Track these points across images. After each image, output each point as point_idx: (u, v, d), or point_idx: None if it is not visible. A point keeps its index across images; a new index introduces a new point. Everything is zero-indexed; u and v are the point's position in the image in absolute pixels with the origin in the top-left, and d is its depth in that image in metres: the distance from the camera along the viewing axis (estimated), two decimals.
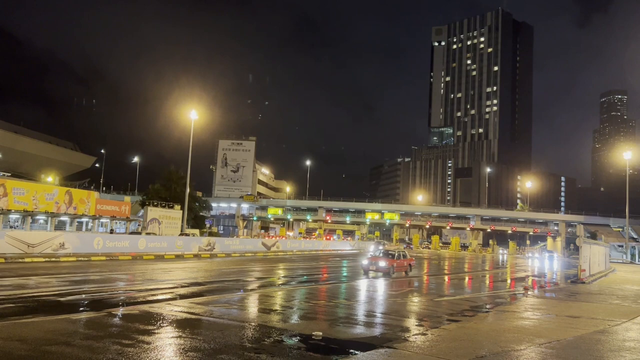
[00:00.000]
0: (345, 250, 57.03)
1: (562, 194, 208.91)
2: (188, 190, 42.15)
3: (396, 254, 24.78)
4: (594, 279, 26.70)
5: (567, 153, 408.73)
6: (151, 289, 14.91)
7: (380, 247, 47.29)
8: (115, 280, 17.07)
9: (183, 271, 21.64)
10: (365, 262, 23.84)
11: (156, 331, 9.10)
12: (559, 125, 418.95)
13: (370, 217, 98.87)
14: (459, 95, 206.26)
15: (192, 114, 39.41)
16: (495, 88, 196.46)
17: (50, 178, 73.18)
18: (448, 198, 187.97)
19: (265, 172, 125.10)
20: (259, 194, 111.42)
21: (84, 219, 48.87)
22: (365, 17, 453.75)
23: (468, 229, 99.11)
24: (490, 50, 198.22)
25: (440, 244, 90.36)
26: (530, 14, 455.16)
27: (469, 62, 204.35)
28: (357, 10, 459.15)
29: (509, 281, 26.76)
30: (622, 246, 71.08)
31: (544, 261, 54.48)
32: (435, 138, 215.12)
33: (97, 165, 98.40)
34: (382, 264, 23.13)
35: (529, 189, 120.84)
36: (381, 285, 20.11)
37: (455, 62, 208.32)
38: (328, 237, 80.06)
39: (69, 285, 14.87)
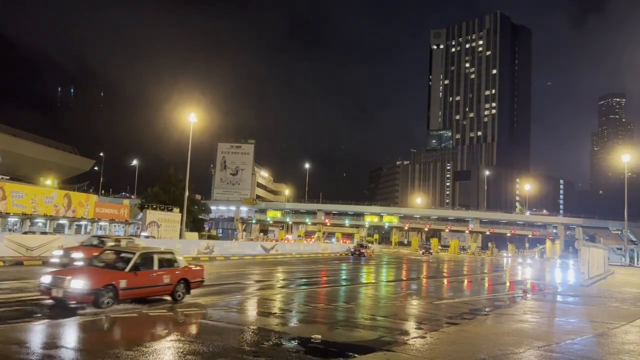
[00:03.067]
0: (342, 253, 56.96)
1: (561, 196, 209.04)
2: (187, 193, 42.11)
3: (132, 258, 11.92)
4: (593, 281, 26.70)
5: (565, 156, 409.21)
6: None
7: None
8: None
9: None
10: (46, 278, 11.13)
11: (154, 334, 9.09)
12: (557, 128, 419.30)
13: (369, 220, 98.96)
14: (458, 98, 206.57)
15: (190, 117, 39.40)
16: (494, 91, 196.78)
17: (49, 181, 73.18)
18: (447, 201, 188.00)
19: (264, 175, 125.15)
20: (257, 197, 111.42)
21: (83, 222, 48.79)
22: (363, 20, 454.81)
23: (467, 231, 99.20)
24: (488, 53, 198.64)
25: (440, 247, 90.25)
26: (528, 16, 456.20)
27: (467, 65, 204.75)
28: (355, 12, 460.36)
29: (508, 284, 26.74)
30: (620, 249, 71.11)
31: (554, 270, 39.92)
32: (434, 141, 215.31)
33: (96, 168, 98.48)
34: (76, 283, 10.61)
35: (528, 191, 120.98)
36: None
37: (454, 65, 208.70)
38: (327, 240, 79.95)
39: None
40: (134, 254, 12.11)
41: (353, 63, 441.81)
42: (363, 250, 49.82)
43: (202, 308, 12.25)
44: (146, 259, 12.23)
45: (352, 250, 52.67)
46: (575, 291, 21.81)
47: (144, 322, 10.59)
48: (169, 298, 12.63)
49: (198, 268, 14.31)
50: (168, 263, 12.88)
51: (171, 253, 13.55)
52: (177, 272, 12.84)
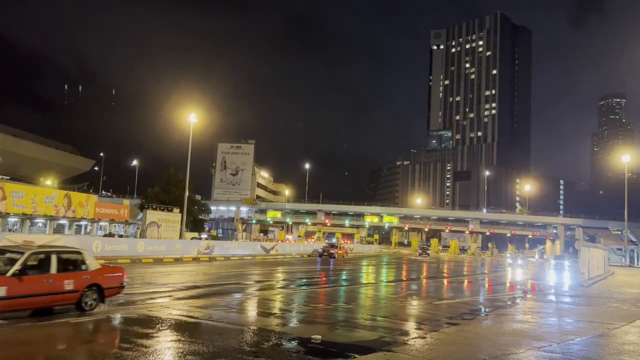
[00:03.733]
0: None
1: (561, 197, 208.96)
2: (187, 193, 42.12)
3: (19, 259, 9.85)
4: (593, 282, 26.69)
5: (566, 156, 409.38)
6: (150, 292, 14.87)
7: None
8: None
9: (182, 274, 21.60)
10: None
11: (155, 335, 9.09)
12: (557, 128, 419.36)
13: (369, 220, 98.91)
14: (458, 98, 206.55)
15: (191, 117, 39.41)
16: (494, 91, 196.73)
17: (49, 181, 73.25)
18: (447, 201, 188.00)
19: (264, 175, 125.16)
20: (258, 197, 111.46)
21: (83, 222, 48.84)
22: (362, 20, 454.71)
23: (467, 232, 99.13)
24: (489, 53, 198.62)
25: (440, 247, 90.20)
26: (528, 16, 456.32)
27: (467, 65, 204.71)
28: (355, 12, 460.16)
29: (508, 284, 26.74)
30: (621, 249, 71.08)
31: (550, 271, 36.71)
32: (434, 141, 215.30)
33: (96, 168, 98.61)
34: None
35: (528, 192, 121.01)
36: None
37: (454, 65, 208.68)
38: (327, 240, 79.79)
39: None
40: (22, 253, 9.64)
41: (353, 63, 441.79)
42: (333, 251, 41.96)
43: (111, 321, 10.03)
44: (41, 260, 9.90)
45: (319, 250, 43.50)
46: (575, 291, 21.81)
47: (14, 344, 8.05)
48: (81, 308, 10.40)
49: (116, 272, 11.63)
50: (73, 265, 10.47)
51: (78, 253, 10.86)
52: (85, 277, 10.45)
